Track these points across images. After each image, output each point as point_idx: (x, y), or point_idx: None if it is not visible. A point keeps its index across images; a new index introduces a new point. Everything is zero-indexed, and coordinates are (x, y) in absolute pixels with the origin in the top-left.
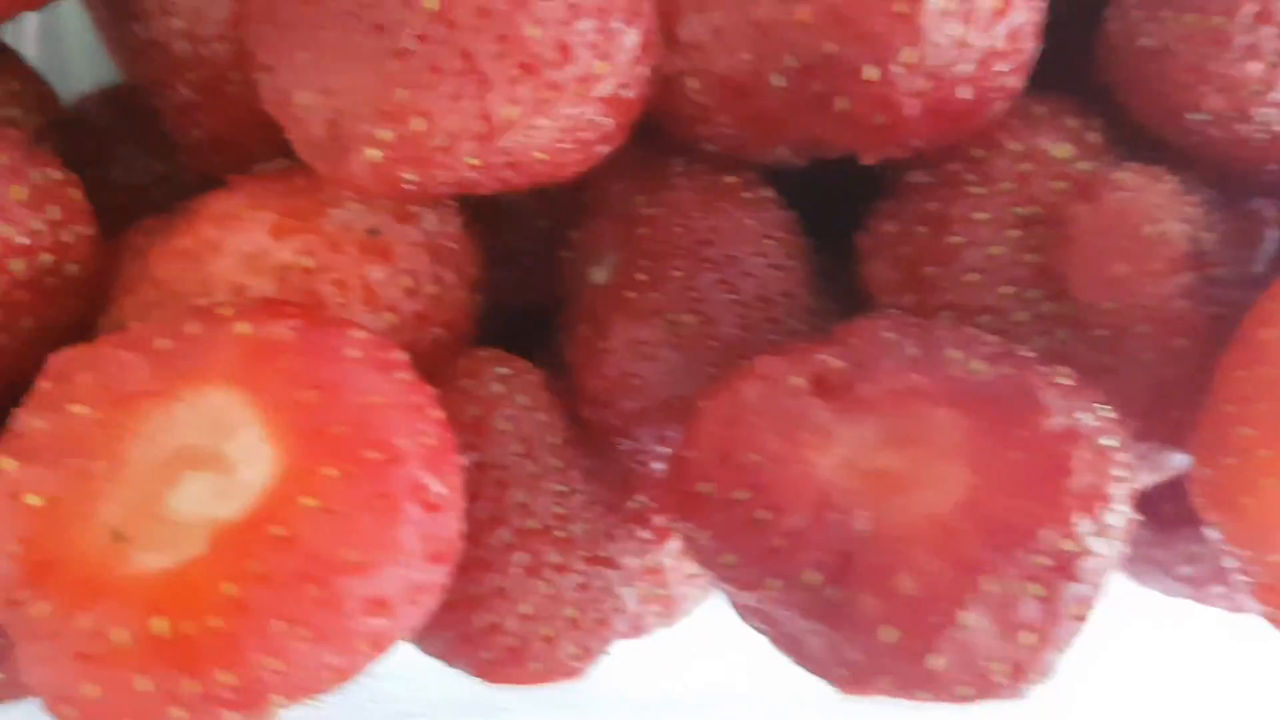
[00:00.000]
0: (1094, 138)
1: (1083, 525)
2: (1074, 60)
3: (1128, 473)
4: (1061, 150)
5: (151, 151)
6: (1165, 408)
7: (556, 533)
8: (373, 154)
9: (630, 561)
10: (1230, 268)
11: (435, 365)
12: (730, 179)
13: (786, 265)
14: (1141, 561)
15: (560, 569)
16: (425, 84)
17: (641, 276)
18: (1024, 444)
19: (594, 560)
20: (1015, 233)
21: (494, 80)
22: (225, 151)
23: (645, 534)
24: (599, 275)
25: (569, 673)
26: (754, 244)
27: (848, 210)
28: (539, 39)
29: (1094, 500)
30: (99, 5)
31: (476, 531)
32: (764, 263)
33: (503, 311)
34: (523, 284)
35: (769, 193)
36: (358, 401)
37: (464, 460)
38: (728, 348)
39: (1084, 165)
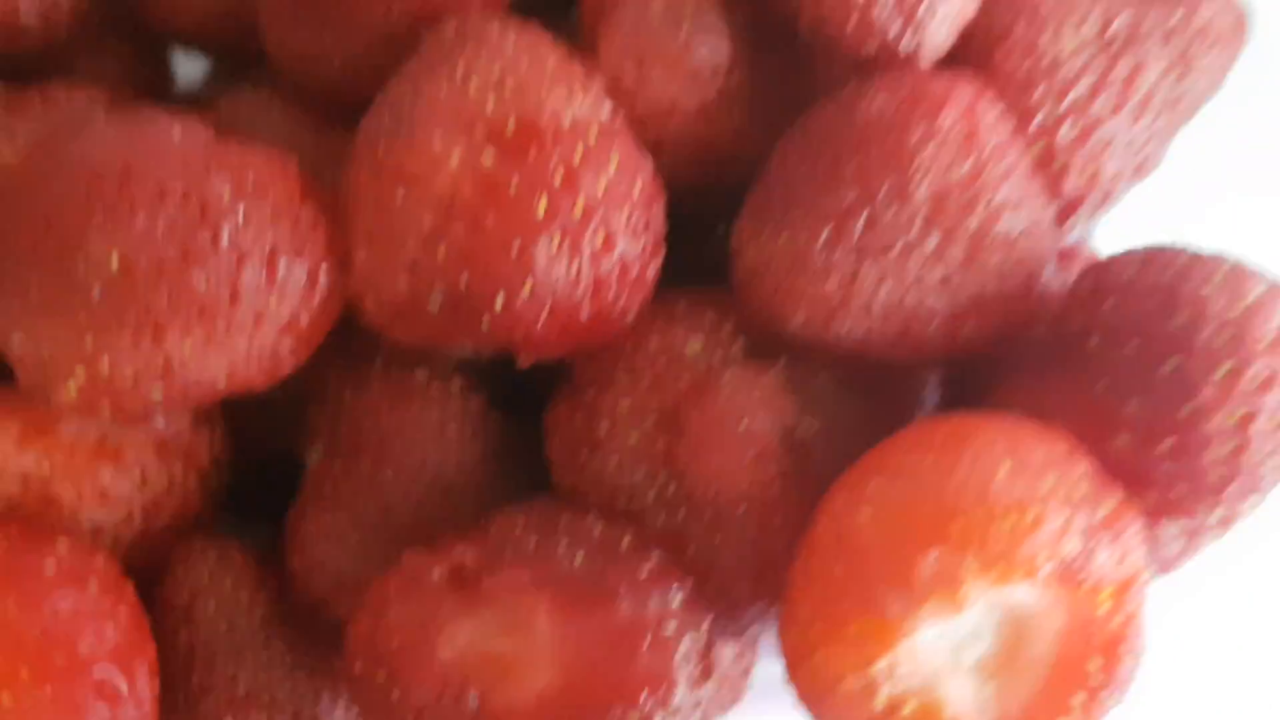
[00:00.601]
0: (729, 330)
1: (648, 706)
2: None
3: (693, 654)
4: (692, 346)
5: None
6: (770, 574)
7: (261, 697)
8: (72, 389)
9: (339, 717)
10: (841, 446)
11: (168, 546)
12: (421, 373)
13: (468, 451)
14: None
15: None
16: (109, 331)
17: (337, 467)
18: (599, 634)
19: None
20: (650, 421)
21: (169, 327)
22: None
23: None
24: (313, 457)
25: None
26: (434, 436)
27: None
28: (208, 288)
29: (658, 683)
30: None
31: (191, 701)
32: (440, 455)
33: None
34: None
35: (458, 383)
36: (50, 611)
37: (154, 649)
38: (408, 534)
39: (711, 360)
